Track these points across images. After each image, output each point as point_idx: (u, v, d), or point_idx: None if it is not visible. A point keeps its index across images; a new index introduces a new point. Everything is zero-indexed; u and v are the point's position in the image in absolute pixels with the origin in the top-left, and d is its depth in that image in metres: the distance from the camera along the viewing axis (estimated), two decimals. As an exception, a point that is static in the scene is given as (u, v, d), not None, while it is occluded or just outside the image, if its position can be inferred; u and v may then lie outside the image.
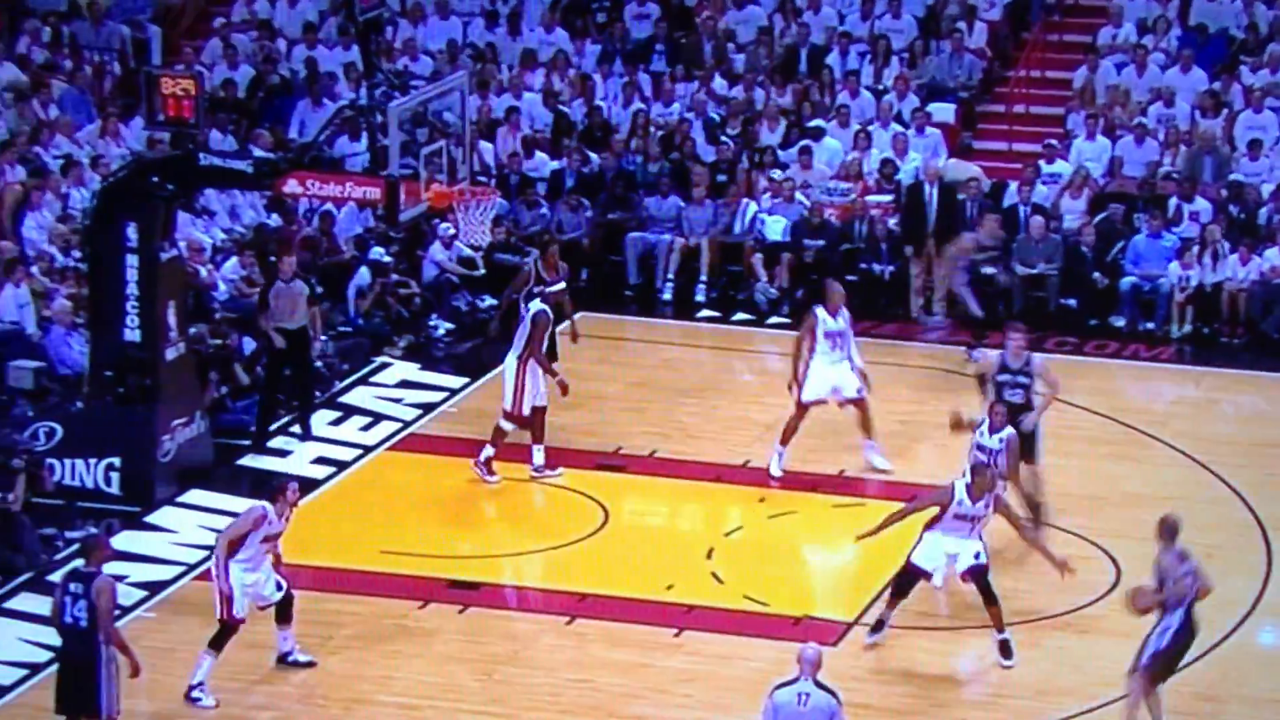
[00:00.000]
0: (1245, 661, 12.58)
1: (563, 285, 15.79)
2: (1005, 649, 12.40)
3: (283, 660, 12.39)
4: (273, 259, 17.65)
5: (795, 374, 14.76)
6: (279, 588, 12.16)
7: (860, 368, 14.97)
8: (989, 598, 12.38)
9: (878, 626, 12.59)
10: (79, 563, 11.49)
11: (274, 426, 15.74)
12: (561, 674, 12.37)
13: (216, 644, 12.05)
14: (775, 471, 14.83)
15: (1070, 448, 15.57)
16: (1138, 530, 13.57)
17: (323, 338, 16.36)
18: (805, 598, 13.40)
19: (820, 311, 14.83)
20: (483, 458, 14.94)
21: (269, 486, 12.30)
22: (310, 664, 12.38)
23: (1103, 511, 14.49)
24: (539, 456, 14.98)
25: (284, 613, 12.27)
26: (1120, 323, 18.37)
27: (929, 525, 12.51)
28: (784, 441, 14.88)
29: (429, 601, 13.23)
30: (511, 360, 14.90)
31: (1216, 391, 17.36)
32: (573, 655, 12.61)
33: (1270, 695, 12.19)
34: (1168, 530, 11.46)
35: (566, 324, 16.21)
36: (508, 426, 14.93)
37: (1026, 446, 13.39)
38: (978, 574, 12.37)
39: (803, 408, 14.82)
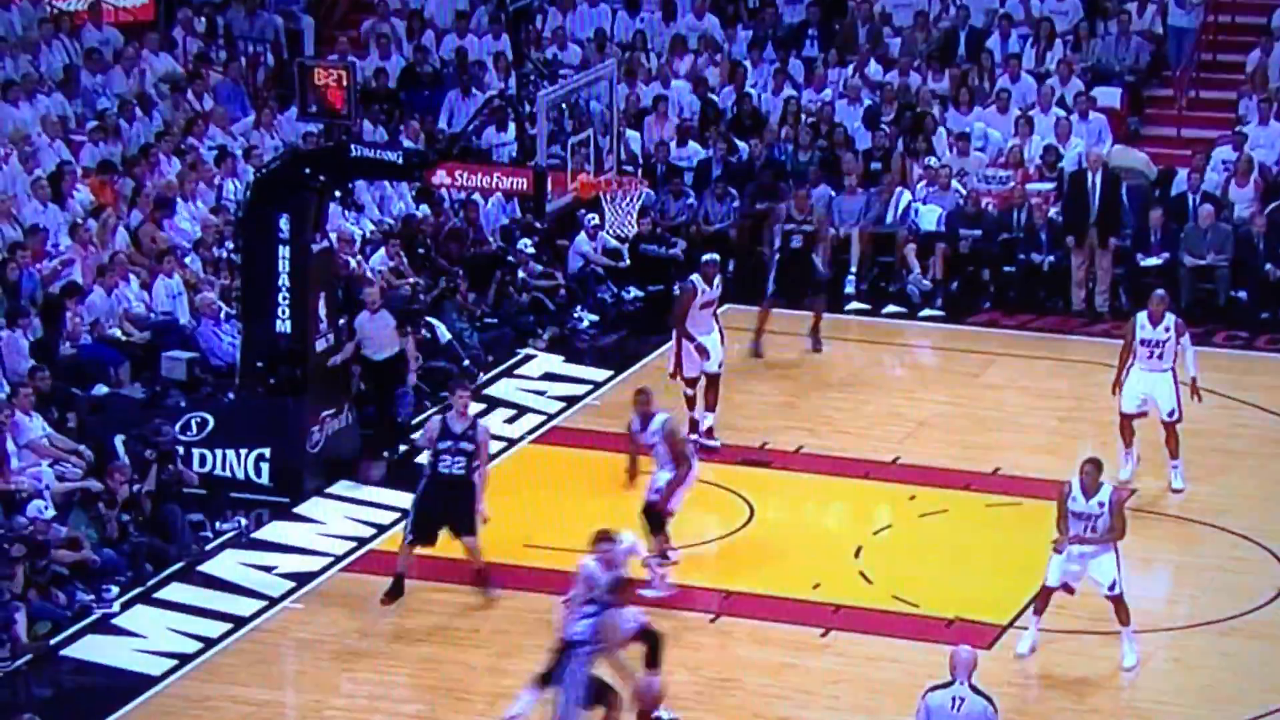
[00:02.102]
0: None
1: (714, 256, 15.83)
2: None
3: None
4: (420, 250, 17.69)
5: (1118, 376, 14.23)
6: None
7: (1190, 379, 14.11)
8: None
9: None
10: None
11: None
12: (705, 673, 12.22)
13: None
14: (1125, 475, 14.19)
15: (1239, 446, 15.12)
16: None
17: (415, 369, 15.33)
18: (957, 599, 13.05)
19: (1140, 317, 14.23)
20: (704, 427, 15.24)
21: None
22: None
23: (1273, 513, 13.90)
24: (704, 423, 15.28)
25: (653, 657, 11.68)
26: (1302, 322, 17.68)
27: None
28: (1126, 446, 14.30)
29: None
30: (674, 334, 15.33)
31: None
32: (717, 654, 12.47)
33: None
34: None
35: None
36: (689, 392, 15.31)
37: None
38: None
39: (1125, 417, 14.27)
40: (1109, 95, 19.93)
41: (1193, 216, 18.14)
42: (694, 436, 15.00)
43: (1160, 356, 14.09)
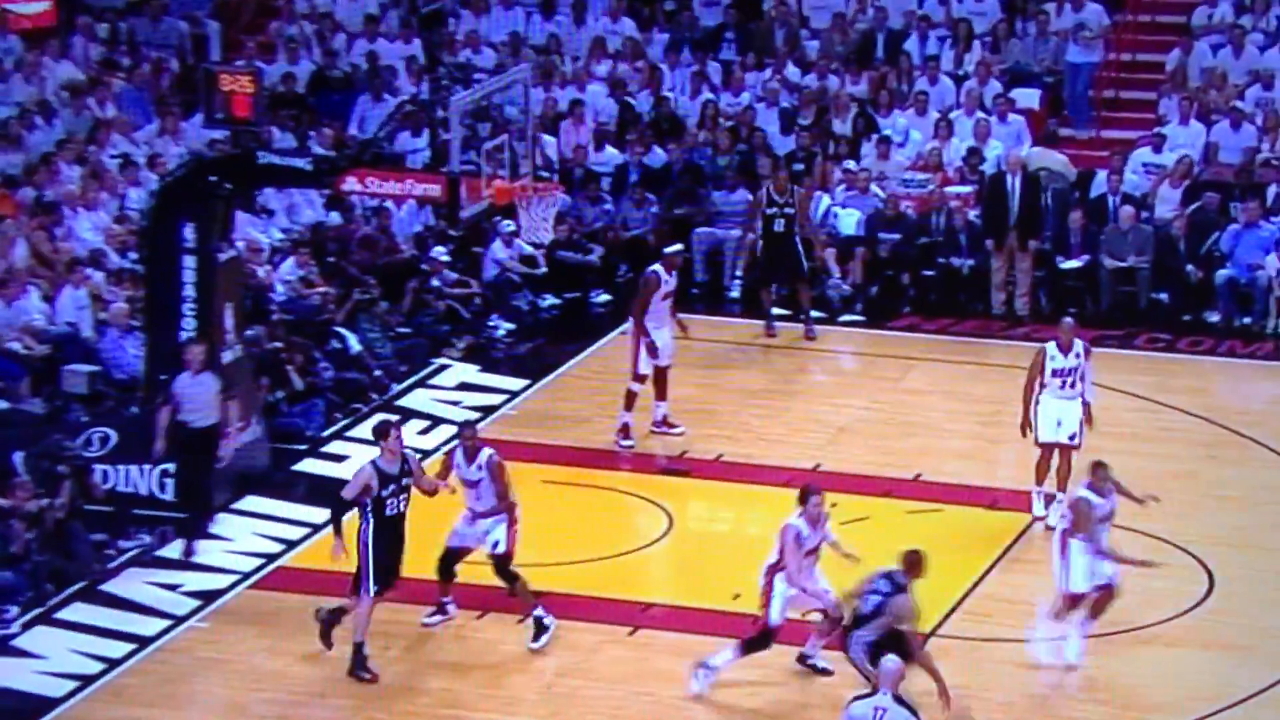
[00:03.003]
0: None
1: (678, 246, 15.98)
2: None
3: (801, 660, 12.09)
4: (330, 259, 17.37)
5: (1024, 414, 13.87)
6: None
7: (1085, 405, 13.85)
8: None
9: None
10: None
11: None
12: (623, 686, 12.05)
13: (747, 649, 11.85)
14: (1040, 512, 13.92)
15: (1163, 449, 15.08)
16: (1234, 537, 12.96)
17: (234, 434, 14.16)
18: (879, 608, 12.82)
19: (1051, 349, 13.88)
20: (620, 424, 15.11)
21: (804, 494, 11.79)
22: (827, 671, 11.92)
23: (1195, 518, 13.83)
24: (658, 413, 15.29)
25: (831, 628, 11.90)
26: (1215, 318, 17.65)
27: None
28: (1039, 481, 13.97)
29: (488, 611, 12.88)
30: (631, 324, 15.32)
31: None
32: (635, 667, 12.28)
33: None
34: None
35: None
36: (635, 388, 15.18)
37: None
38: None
39: (1044, 447, 13.90)
40: (1028, 97, 19.90)
41: (1113, 218, 18.10)
42: (627, 442, 14.99)
43: (1072, 385, 13.80)
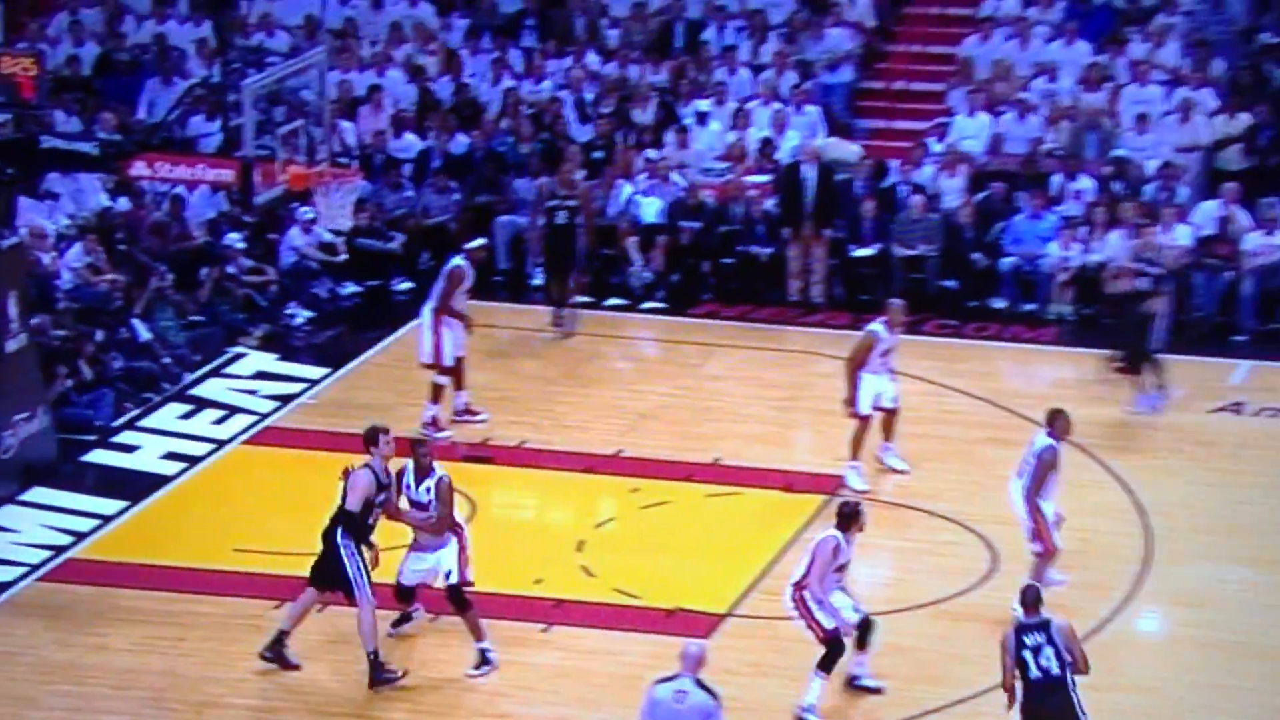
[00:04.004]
0: (1125, 649, 12.41)
1: (481, 241, 16.04)
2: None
3: (850, 683, 11.78)
4: (122, 247, 17.00)
5: (850, 391, 14.17)
6: (856, 611, 11.61)
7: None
8: None
9: None
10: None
11: None
12: (424, 672, 11.97)
13: (825, 665, 11.47)
14: (858, 485, 14.19)
15: (948, 432, 15.40)
16: (1016, 515, 13.36)
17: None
18: (678, 590, 13.03)
19: (881, 329, 14.28)
20: (428, 417, 14.94)
21: (844, 514, 11.51)
22: (878, 690, 11.71)
23: (979, 497, 14.24)
24: (460, 401, 15.32)
25: (863, 639, 11.67)
26: (1000, 304, 18.17)
27: None
28: (855, 455, 14.29)
29: (285, 601, 12.72)
30: (427, 312, 15.19)
31: (1098, 373, 17.18)
32: (436, 653, 12.21)
33: (1149, 683, 12.01)
34: None
35: None
36: (442, 381, 15.16)
37: None
38: None
39: (864, 419, 14.27)
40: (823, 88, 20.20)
41: (903, 207, 18.52)
42: (443, 434, 14.92)
43: (891, 362, 14.38)
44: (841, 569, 11.59)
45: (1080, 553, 12.98)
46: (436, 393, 15.23)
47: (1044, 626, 10.31)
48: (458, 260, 15.37)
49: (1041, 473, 12.52)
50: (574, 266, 17.30)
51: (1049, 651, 10.22)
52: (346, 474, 11.82)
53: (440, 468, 12.11)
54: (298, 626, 11.93)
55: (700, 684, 9.88)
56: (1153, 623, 12.89)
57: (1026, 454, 12.74)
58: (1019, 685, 10.30)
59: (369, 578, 11.69)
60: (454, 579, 11.94)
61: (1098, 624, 12.43)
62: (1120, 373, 16.03)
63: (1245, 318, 17.62)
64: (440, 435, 15.13)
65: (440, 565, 12.02)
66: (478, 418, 15.40)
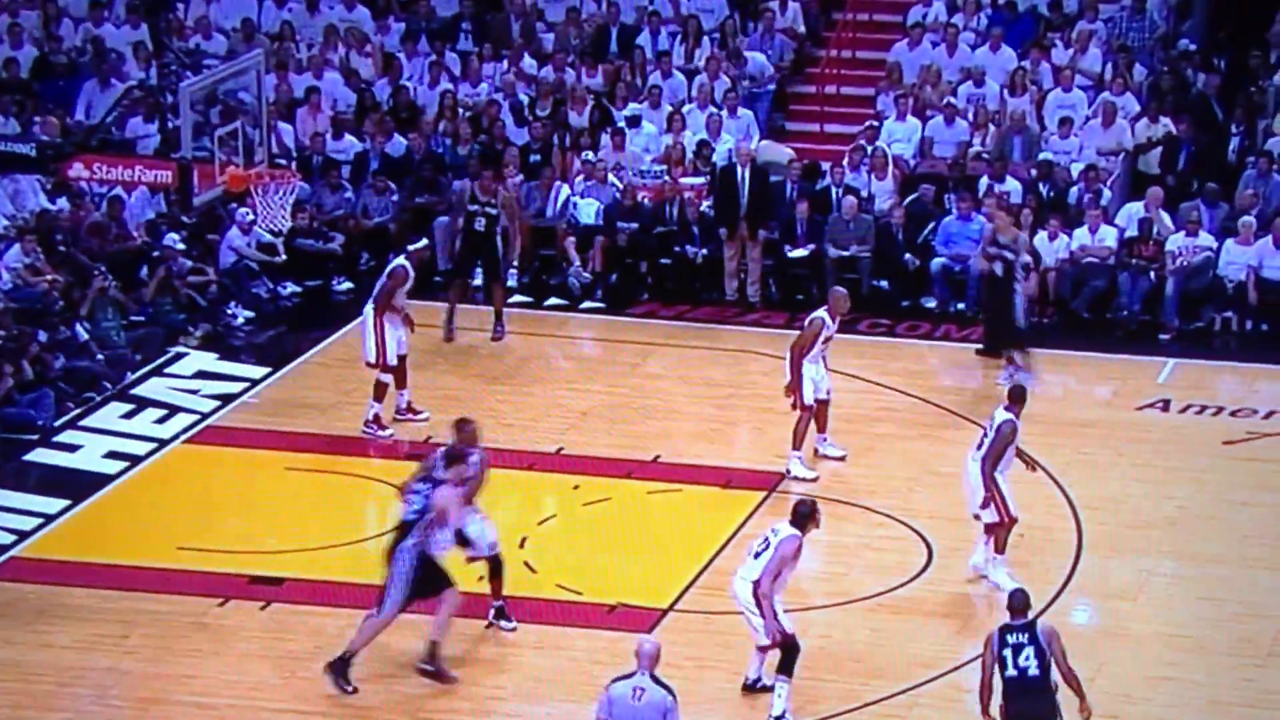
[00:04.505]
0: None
1: (423, 242, 16.10)
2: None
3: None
4: (61, 248, 16.95)
5: (795, 380, 14.39)
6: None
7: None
8: None
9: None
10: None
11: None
12: (367, 669, 12.01)
13: (787, 669, 11.47)
14: (804, 474, 14.42)
15: (883, 429, 15.62)
16: (951, 511, 13.61)
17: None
18: (619, 585, 13.17)
19: (825, 317, 14.51)
20: (370, 415, 15.16)
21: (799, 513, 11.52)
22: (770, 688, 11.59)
23: (915, 493, 14.49)
24: (402, 400, 15.46)
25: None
26: (932, 304, 18.46)
27: None
28: (798, 445, 14.49)
29: (229, 598, 12.84)
30: (369, 311, 15.31)
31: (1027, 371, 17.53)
32: (379, 651, 12.23)
33: (1083, 675, 12.16)
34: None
35: None
36: (385, 379, 15.23)
37: None
38: None
39: (808, 409, 14.46)
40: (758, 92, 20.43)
41: (836, 208, 18.79)
42: (385, 432, 15.13)
43: (828, 351, 14.66)
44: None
45: (1014, 547, 13.22)
46: (379, 391, 15.32)
47: (1029, 628, 10.47)
48: (401, 260, 15.48)
49: (1000, 446, 12.82)
50: (495, 274, 17.19)
51: (1029, 651, 10.32)
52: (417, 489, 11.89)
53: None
54: (445, 636, 11.90)
55: (656, 680, 9.99)
56: (1085, 615, 13.14)
57: (987, 428, 13.06)
58: (998, 684, 10.41)
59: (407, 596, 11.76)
60: (500, 548, 12.25)
61: (1033, 615, 12.59)
62: (981, 355, 16.76)
63: (1169, 317, 18.03)
64: (383, 433, 15.27)
65: (484, 536, 12.22)
66: (419, 416, 15.51)
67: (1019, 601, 10.64)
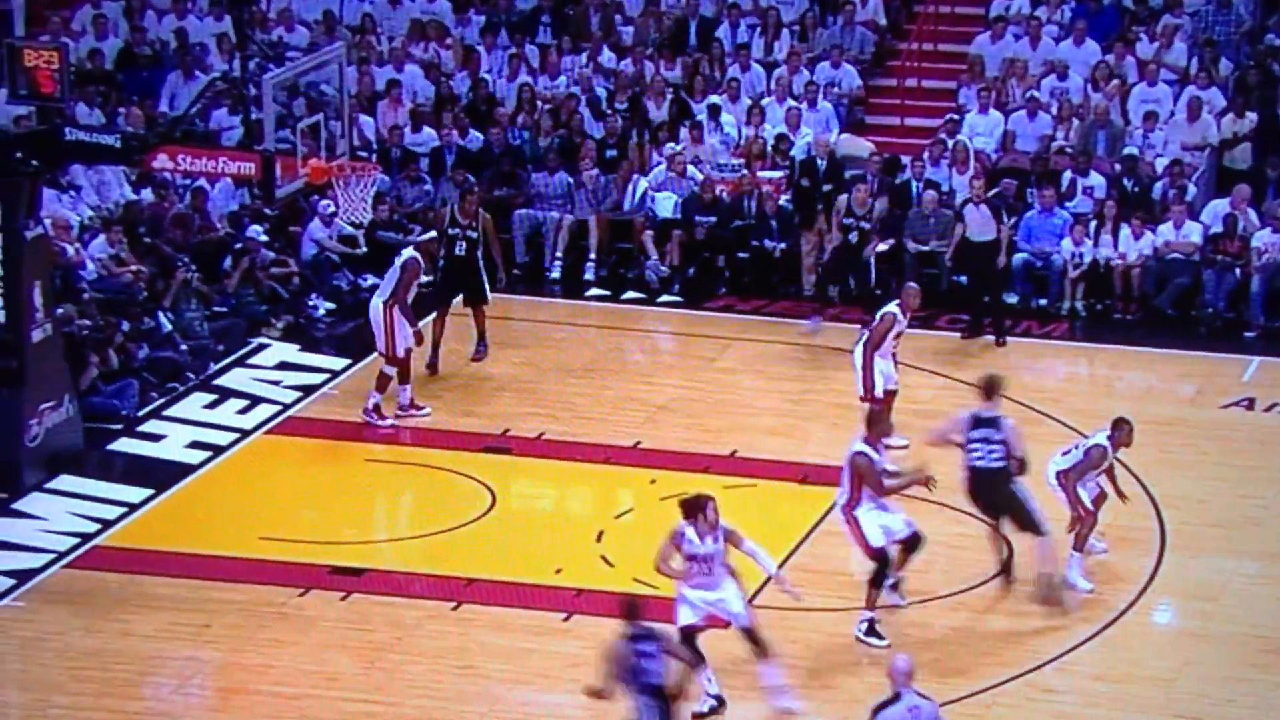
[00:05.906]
0: (1140, 641, 12.57)
1: (432, 235, 16.12)
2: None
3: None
4: (145, 239, 17.14)
5: (867, 374, 14.41)
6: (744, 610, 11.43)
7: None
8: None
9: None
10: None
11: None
12: (445, 661, 12.12)
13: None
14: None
15: (963, 426, 15.50)
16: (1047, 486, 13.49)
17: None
18: (696, 581, 13.11)
19: (897, 312, 14.46)
20: (370, 405, 15.22)
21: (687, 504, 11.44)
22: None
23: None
24: (404, 396, 15.39)
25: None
26: (1013, 299, 18.30)
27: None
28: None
29: (310, 589, 12.96)
30: (377, 304, 15.27)
31: (1109, 368, 17.35)
32: (458, 642, 12.37)
33: (1164, 674, 12.14)
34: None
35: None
36: (389, 371, 15.26)
37: None
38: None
39: (878, 400, 14.36)
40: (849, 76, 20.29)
41: (916, 202, 18.66)
42: (385, 422, 15.19)
43: (898, 346, 14.59)
44: (697, 560, 11.32)
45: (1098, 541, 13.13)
46: (382, 382, 15.35)
47: (995, 421, 12.04)
48: (412, 252, 15.49)
49: (1084, 466, 12.84)
50: (478, 298, 16.54)
51: (996, 440, 12.18)
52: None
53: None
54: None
55: (920, 694, 9.87)
56: (1167, 615, 13.04)
57: (1080, 441, 13.06)
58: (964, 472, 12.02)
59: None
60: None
61: (1114, 615, 12.60)
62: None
63: (1254, 314, 17.79)
64: (383, 423, 15.27)
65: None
66: (421, 413, 15.44)
67: (993, 387, 12.39)
